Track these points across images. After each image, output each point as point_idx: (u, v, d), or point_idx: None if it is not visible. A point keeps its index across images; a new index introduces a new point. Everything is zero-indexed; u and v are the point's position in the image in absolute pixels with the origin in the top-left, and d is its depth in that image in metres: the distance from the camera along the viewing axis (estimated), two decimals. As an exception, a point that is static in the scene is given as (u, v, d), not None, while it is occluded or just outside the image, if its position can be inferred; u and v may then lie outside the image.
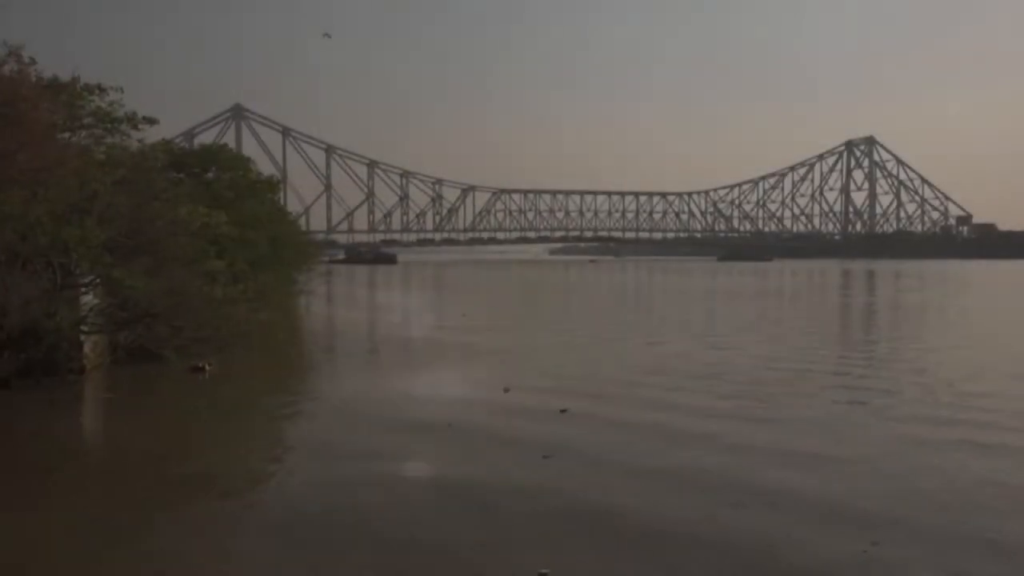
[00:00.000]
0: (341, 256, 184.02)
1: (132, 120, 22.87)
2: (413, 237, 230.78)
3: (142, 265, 19.56)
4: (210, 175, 34.35)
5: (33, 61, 19.91)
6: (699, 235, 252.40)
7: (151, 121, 23.50)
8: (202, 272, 20.68)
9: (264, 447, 15.01)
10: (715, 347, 28.19)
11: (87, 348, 20.83)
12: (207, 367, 21.65)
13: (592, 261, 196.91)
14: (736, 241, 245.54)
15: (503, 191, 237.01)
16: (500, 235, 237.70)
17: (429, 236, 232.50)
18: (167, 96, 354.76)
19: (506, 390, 19.65)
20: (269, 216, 37.22)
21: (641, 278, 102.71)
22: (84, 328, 20.06)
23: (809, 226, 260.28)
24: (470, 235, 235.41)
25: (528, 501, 10.88)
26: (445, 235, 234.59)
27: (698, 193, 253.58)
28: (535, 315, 46.45)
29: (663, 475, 12.23)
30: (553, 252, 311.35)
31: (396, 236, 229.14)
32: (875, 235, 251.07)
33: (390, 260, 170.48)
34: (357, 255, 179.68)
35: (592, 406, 17.48)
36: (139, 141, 23.61)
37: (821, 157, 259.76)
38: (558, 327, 36.25)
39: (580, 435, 14.78)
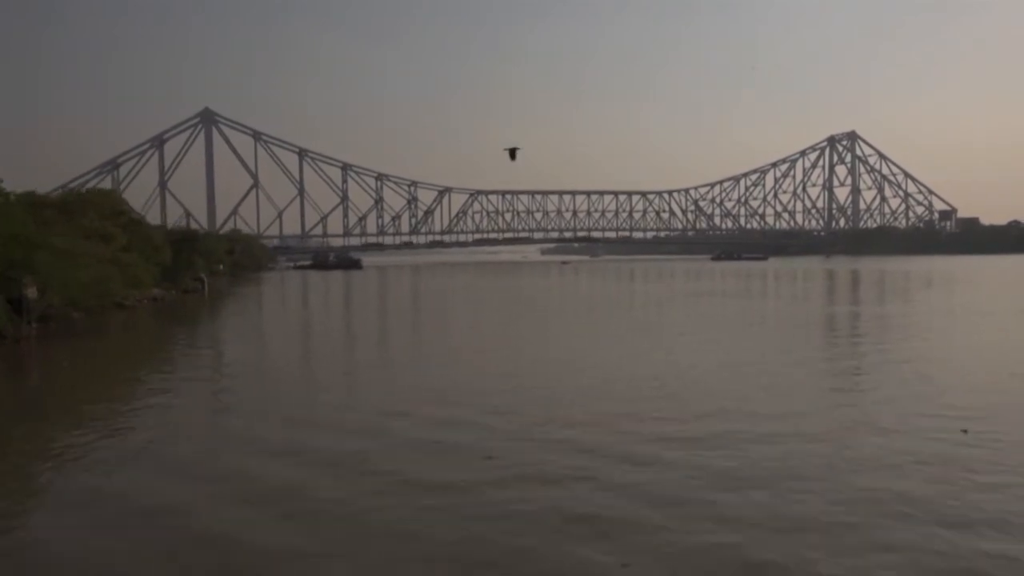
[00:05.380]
0: (308, 262, 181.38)
1: None
2: (389, 240, 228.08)
3: None
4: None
5: None
6: (690, 233, 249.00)
7: None
8: None
9: None
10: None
11: None
12: None
13: (564, 263, 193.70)
14: (721, 239, 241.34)
15: (479, 192, 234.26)
16: (477, 236, 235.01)
17: (407, 239, 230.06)
18: (136, 99, 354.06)
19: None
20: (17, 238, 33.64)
21: (580, 284, 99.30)
22: None
23: (792, 223, 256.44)
24: (452, 237, 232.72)
25: None
26: (422, 238, 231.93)
27: (679, 191, 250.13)
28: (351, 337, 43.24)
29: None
30: (545, 252, 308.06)
31: (373, 239, 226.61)
32: (859, 231, 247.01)
33: (355, 265, 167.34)
34: (324, 260, 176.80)
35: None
36: None
37: (803, 153, 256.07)
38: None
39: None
